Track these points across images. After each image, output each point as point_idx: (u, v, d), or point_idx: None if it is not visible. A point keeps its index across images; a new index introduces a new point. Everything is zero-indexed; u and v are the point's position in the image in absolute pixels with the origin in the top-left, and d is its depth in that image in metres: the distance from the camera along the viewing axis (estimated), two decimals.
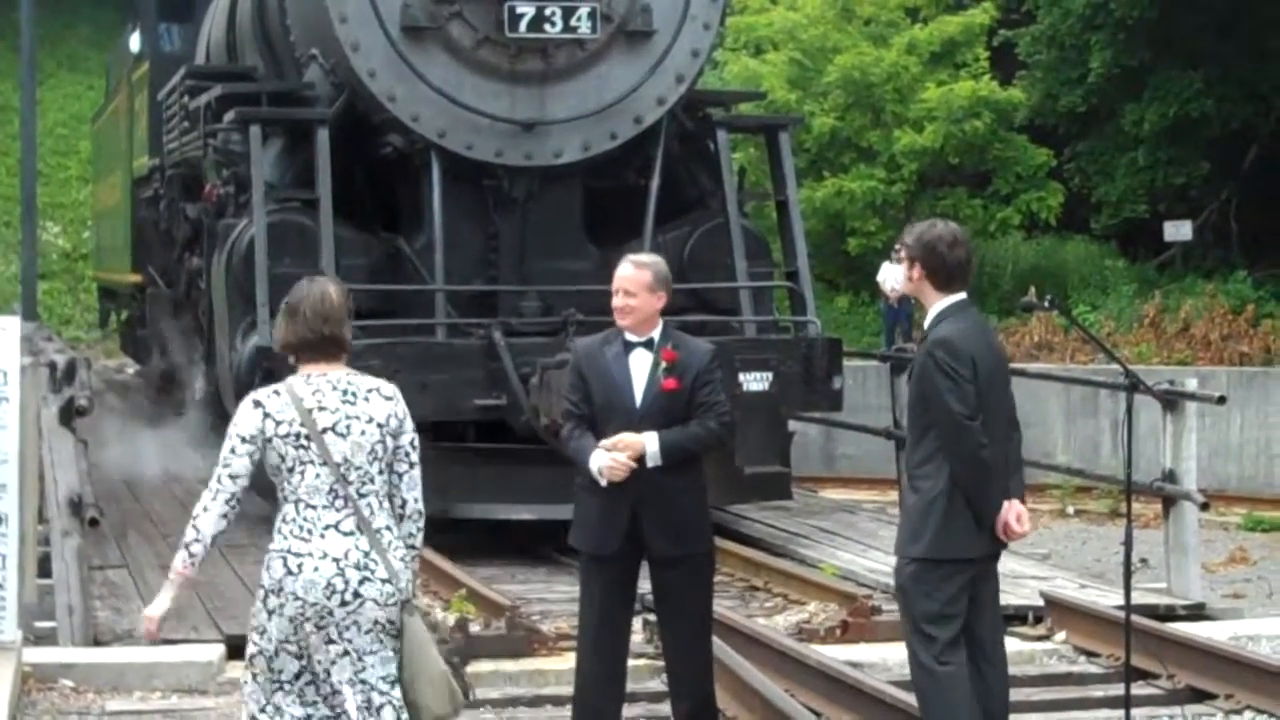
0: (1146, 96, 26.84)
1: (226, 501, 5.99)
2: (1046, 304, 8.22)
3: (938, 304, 7.03)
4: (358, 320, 12.67)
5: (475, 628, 10.07)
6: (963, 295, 7.05)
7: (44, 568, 10.17)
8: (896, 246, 26.04)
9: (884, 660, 9.64)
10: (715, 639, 7.96)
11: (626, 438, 7.27)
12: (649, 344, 7.43)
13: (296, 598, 5.93)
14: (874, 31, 28.50)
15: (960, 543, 6.92)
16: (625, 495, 7.28)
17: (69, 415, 12.69)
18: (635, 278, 7.39)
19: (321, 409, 6.00)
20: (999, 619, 7.28)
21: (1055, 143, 28.68)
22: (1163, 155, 27.12)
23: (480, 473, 12.91)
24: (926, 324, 7.13)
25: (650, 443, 7.26)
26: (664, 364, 7.39)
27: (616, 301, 7.42)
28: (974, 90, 27.21)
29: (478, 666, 9.60)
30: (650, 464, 7.26)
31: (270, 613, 5.98)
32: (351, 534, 5.98)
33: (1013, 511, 6.95)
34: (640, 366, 7.40)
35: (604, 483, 7.26)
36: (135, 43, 21.34)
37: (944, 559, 6.92)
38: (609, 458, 7.24)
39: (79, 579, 9.89)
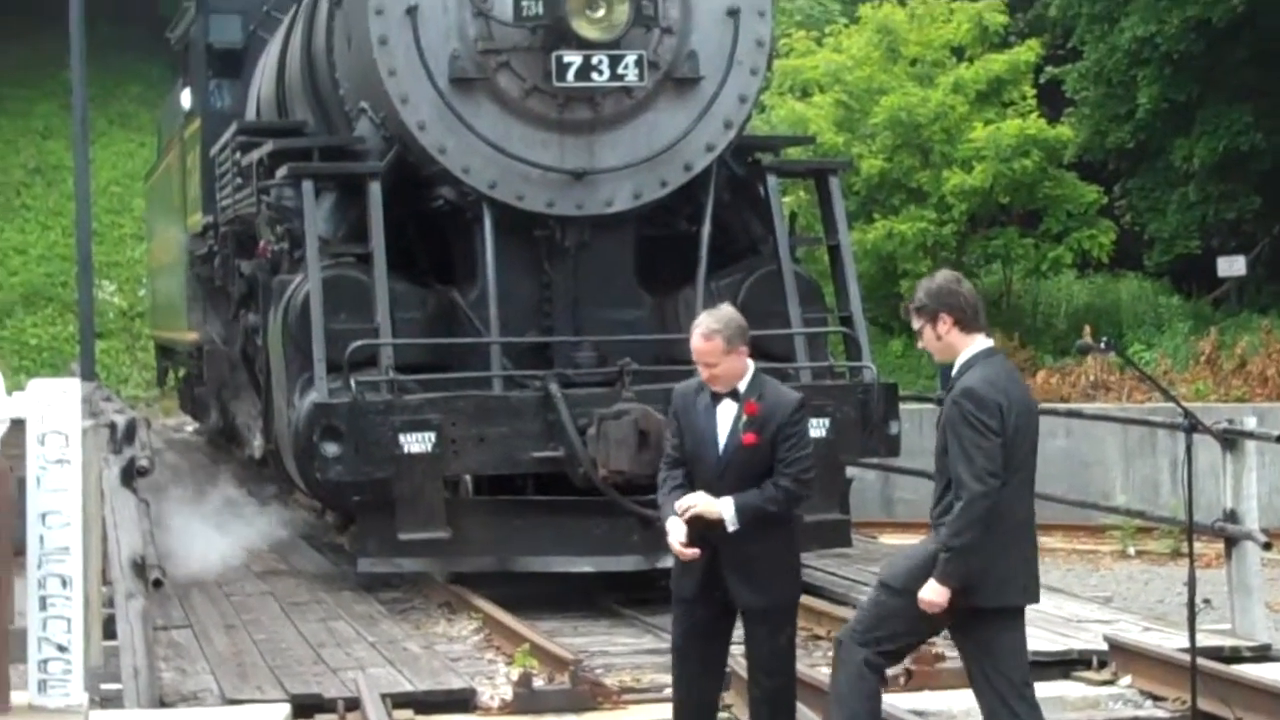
0: (1195, 131, 26.77)
1: None
2: (1103, 345, 8.20)
3: (966, 350, 6.99)
4: (414, 373, 12.81)
5: (539, 682, 10.06)
6: (988, 340, 7.03)
7: (109, 630, 10.19)
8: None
9: (949, 708, 9.60)
10: None
11: (704, 504, 7.38)
12: (735, 395, 7.56)
13: None
14: (920, 71, 28.50)
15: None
16: (704, 544, 7.44)
17: (130, 476, 12.72)
18: (709, 349, 7.54)
19: None
20: None
21: (1105, 180, 28.60)
22: (1213, 190, 27.02)
23: (539, 525, 12.88)
24: (955, 372, 7.04)
25: (726, 509, 7.37)
26: (745, 418, 7.47)
27: (703, 374, 7.59)
28: (1022, 128, 27.15)
29: None
30: (730, 528, 7.38)
31: None
32: None
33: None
34: (726, 418, 7.57)
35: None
36: (186, 99, 21.47)
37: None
38: (676, 542, 7.44)
39: (144, 640, 9.87)
